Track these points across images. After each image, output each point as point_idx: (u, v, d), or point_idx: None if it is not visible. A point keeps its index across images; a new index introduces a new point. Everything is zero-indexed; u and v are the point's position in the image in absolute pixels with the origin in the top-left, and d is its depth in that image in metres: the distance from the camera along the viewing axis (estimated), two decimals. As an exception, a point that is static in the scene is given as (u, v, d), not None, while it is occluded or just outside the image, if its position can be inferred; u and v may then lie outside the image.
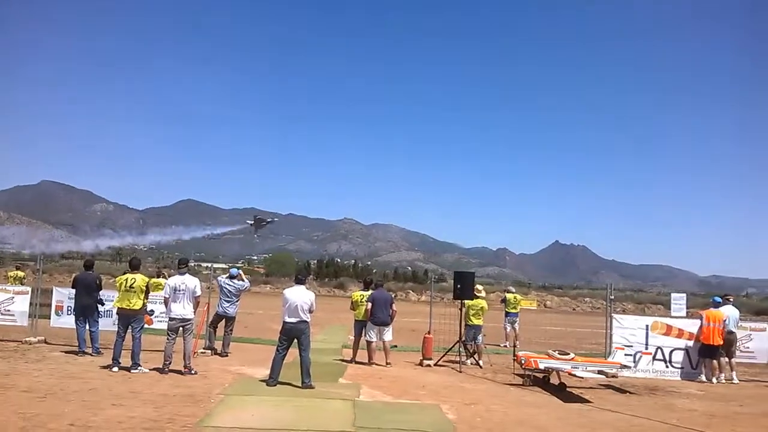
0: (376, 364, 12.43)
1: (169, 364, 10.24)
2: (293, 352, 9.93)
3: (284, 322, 9.83)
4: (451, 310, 14.03)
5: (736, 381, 13.16)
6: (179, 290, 10.40)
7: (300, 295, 9.83)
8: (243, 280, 13.50)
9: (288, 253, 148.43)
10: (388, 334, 12.79)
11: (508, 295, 18.82)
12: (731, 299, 14.16)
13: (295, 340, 9.83)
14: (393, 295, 14.54)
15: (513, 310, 18.33)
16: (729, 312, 13.48)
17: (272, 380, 9.60)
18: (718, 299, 13.93)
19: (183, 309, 10.39)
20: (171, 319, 10.43)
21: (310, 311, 9.91)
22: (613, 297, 14.19)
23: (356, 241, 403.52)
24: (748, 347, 13.84)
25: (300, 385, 9.50)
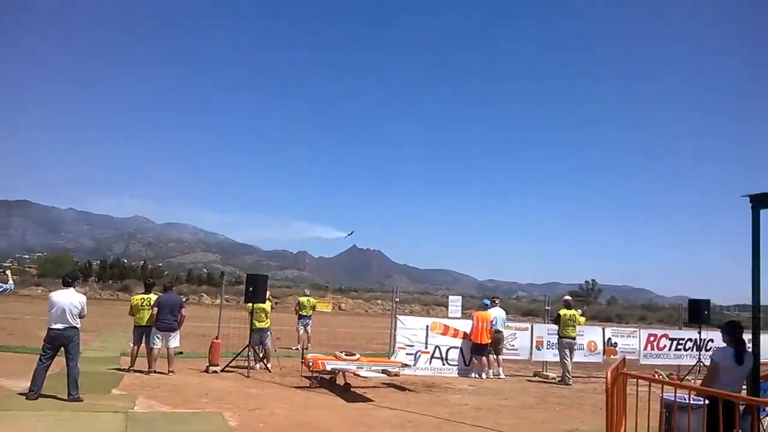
0: (157, 372, 11.71)
1: None
2: (61, 362, 8.98)
3: (49, 329, 8.82)
4: (243, 314, 13.77)
5: (503, 376, 14.64)
6: None
7: (68, 299, 8.88)
8: (7, 281, 11.93)
9: (66, 252, 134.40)
10: (174, 341, 12.13)
11: (302, 299, 19.01)
12: (497, 302, 15.73)
13: (62, 349, 8.89)
14: (184, 299, 13.90)
15: (306, 313, 18.51)
16: (496, 313, 14.98)
17: (33, 393, 8.54)
18: (487, 302, 15.40)
19: None
20: None
21: (80, 316, 9.02)
22: (398, 299, 15.00)
23: (146, 241, 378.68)
24: (513, 345, 15.47)
25: (66, 398, 8.60)
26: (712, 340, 16.28)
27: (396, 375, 12.56)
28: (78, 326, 9.00)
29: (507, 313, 15.91)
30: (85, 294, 9.87)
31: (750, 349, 6.50)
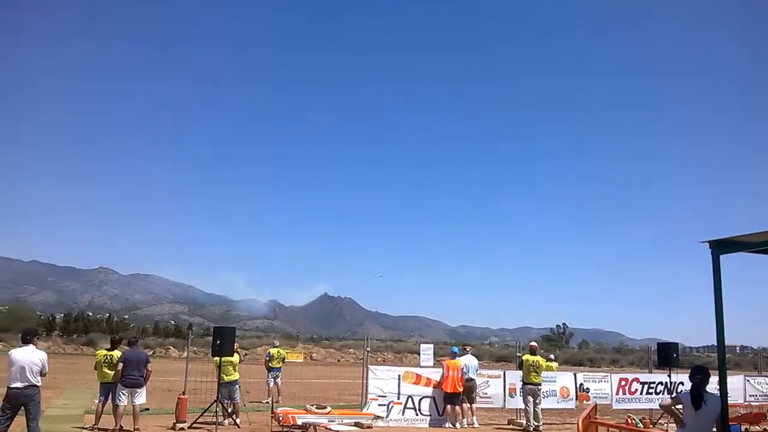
0: (123, 430, 11.35)
1: None
2: (21, 422, 8.67)
3: (9, 388, 8.54)
4: (211, 367, 13.49)
5: (476, 425, 14.46)
6: None
7: (28, 356, 8.62)
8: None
9: (28, 306, 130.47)
10: (141, 397, 11.79)
11: (272, 350, 18.69)
12: (468, 349, 15.69)
13: (23, 408, 8.59)
14: (150, 353, 13.59)
15: (276, 365, 18.19)
16: (467, 361, 14.88)
17: (-10, 457, 8.23)
18: (456, 349, 15.32)
19: None
20: None
21: (42, 374, 8.76)
22: (369, 349, 14.89)
23: (112, 293, 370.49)
24: (486, 393, 15.32)
25: (26, 460, 8.28)
26: (682, 383, 16.38)
27: (369, 427, 12.37)
28: (39, 384, 8.75)
29: (480, 360, 15.87)
30: (47, 349, 9.65)
31: (717, 391, 6.54)
